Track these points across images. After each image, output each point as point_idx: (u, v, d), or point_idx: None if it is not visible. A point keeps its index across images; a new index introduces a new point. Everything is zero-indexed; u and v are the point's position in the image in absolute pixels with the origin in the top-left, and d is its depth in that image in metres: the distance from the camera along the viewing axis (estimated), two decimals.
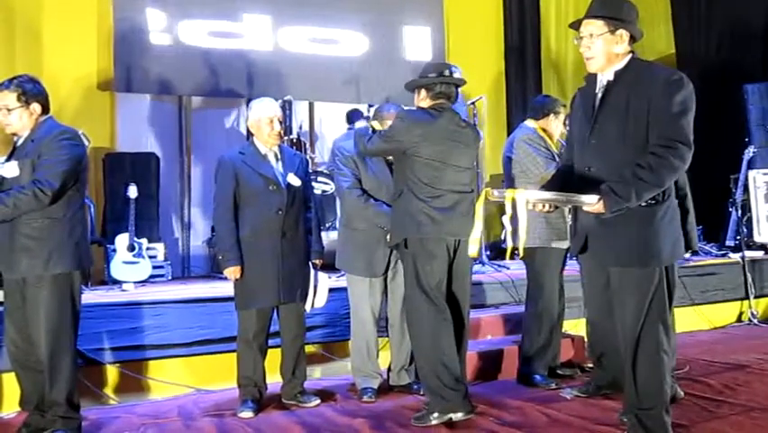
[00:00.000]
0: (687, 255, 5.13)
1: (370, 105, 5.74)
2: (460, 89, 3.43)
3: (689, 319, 5.27)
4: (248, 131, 3.70)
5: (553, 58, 8.51)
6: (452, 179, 3.27)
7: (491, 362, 4.06)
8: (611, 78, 2.66)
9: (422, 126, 3.24)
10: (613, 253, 2.66)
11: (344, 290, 3.82)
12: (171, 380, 3.86)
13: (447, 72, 3.34)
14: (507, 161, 3.96)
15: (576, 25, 2.71)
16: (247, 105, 6.62)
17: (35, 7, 6.20)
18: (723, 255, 6.07)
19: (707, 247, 6.31)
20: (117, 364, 3.74)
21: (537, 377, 3.79)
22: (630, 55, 2.67)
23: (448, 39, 7.89)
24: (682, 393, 3.43)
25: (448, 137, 3.28)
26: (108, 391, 3.73)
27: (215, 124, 7.02)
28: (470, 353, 4.00)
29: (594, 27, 2.62)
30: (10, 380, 3.23)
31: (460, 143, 3.32)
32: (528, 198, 2.68)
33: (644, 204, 2.55)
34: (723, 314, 5.55)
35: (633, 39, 2.66)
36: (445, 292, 3.24)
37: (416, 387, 3.65)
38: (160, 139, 6.74)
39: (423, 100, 3.37)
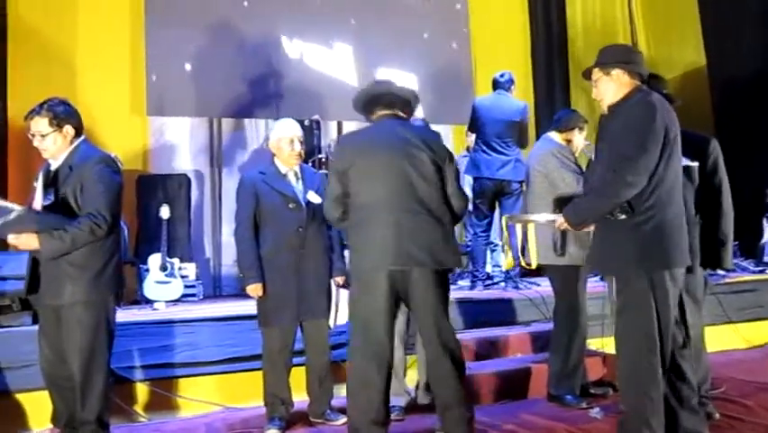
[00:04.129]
0: (721, 273, 5.05)
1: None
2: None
3: (725, 338, 5.13)
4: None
5: (582, 69, 8.46)
6: (397, 193, 2.90)
7: (520, 380, 4.01)
8: (607, 112, 2.97)
9: (353, 141, 3.13)
10: (594, 261, 3.03)
11: None
12: (201, 397, 3.89)
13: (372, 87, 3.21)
14: (537, 175, 3.83)
15: (587, 75, 3.06)
16: None
17: (70, 33, 6.39)
18: (760, 271, 5.92)
19: (743, 263, 6.15)
20: (147, 382, 3.79)
21: (568, 397, 3.73)
22: (631, 88, 2.89)
23: (474, 54, 7.91)
24: (717, 415, 3.35)
25: (388, 145, 2.96)
26: (138, 408, 3.77)
27: (246, 145, 7.11)
28: (499, 370, 4.01)
29: (594, 74, 2.99)
30: (44, 397, 3.28)
31: (406, 150, 2.95)
32: (509, 219, 3.39)
33: (621, 216, 2.76)
34: (761, 332, 5.38)
35: (638, 75, 2.92)
36: (392, 322, 2.93)
37: None
38: (192, 160, 6.87)
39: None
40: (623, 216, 2.75)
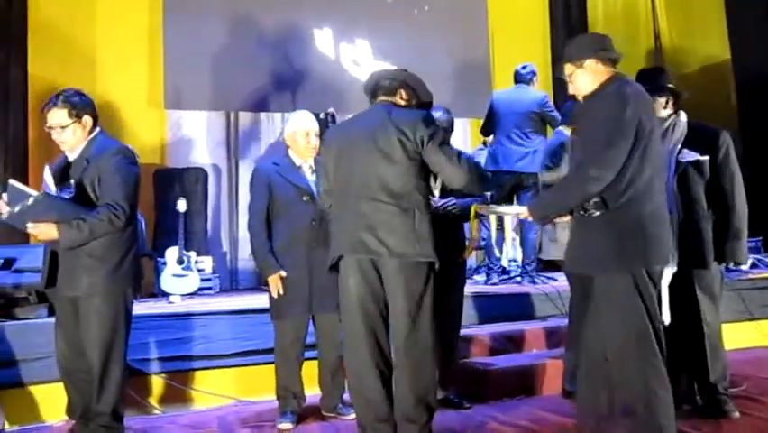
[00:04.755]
0: (744, 268, 4.95)
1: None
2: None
3: (747, 335, 5.02)
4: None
5: None
6: (365, 182, 2.80)
7: (536, 375, 3.96)
8: (583, 102, 2.87)
9: (335, 133, 3.13)
10: (571, 260, 2.87)
11: None
12: (214, 390, 3.90)
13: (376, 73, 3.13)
14: (546, 170, 3.85)
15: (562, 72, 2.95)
16: None
17: (88, 26, 6.44)
18: None
19: (766, 259, 6.03)
20: (161, 375, 3.80)
21: None
22: (607, 77, 2.77)
23: (493, 46, 7.84)
24: (737, 413, 3.27)
25: (362, 135, 2.86)
26: (152, 400, 3.79)
27: (263, 139, 7.14)
28: (514, 365, 3.97)
29: (566, 69, 2.86)
30: (58, 389, 3.30)
31: (376, 136, 2.81)
32: (478, 210, 3.27)
33: (596, 213, 2.64)
34: None
35: (611, 61, 2.78)
36: (377, 317, 2.80)
37: (456, 400, 3.60)
38: (209, 154, 6.90)
39: None
40: (597, 213, 2.64)
